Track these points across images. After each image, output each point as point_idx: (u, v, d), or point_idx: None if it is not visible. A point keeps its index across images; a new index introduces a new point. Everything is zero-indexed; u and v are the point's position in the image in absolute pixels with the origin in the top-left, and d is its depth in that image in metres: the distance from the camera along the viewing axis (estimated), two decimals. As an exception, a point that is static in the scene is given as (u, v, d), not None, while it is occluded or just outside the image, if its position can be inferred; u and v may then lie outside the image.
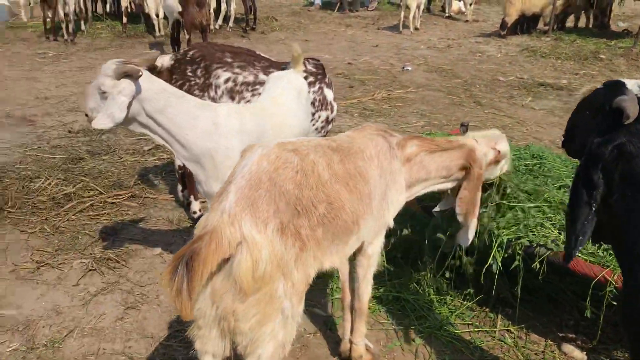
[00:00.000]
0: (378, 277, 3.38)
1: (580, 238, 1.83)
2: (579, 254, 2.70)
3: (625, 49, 10.14)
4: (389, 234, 3.32)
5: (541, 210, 2.97)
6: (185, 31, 8.02)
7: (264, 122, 2.85)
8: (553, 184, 3.16)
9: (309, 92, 3.67)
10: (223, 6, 11.32)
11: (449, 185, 2.64)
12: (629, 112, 1.67)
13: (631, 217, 1.74)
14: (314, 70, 3.79)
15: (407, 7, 12.01)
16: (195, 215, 3.98)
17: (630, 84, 1.82)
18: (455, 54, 10.26)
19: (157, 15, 10.31)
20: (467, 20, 14.11)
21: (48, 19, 10.01)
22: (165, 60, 3.69)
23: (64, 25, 10.01)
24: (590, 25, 12.60)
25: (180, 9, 7.78)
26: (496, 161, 2.70)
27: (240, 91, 3.57)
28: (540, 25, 12.46)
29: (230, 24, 11.69)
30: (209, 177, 2.73)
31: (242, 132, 2.73)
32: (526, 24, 12.29)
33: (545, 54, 10.11)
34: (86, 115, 2.75)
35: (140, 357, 2.79)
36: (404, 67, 9.06)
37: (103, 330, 2.96)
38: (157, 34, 10.66)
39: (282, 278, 1.92)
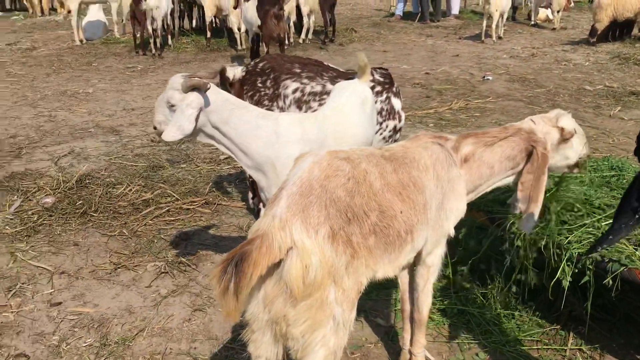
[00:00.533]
0: (443, 290, 3.33)
1: (610, 237, 1.76)
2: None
3: None
4: (455, 244, 3.28)
5: (616, 224, 2.81)
6: (264, 44, 8.25)
7: (325, 131, 2.89)
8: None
9: (375, 101, 3.68)
10: (305, 19, 11.54)
11: (514, 179, 2.54)
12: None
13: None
14: (381, 79, 3.80)
15: (490, 16, 11.74)
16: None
17: None
18: (539, 63, 9.91)
19: (239, 30, 10.66)
20: (554, 28, 13.59)
21: (137, 35, 10.58)
22: (237, 72, 3.81)
23: (152, 41, 10.56)
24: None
25: (259, 22, 8.02)
26: (564, 140, 2.55)
27: (308, 101, 3.63)
28: (635, 31, 11.79)
29: (310, 36, 11.89)
30: (271, 185, 2.79)
31: (303, 141, 2.78)
32: (619, 30, 11.68)
33: (639, 61, 9.56)
34: (154, 128, 2.87)
35: (204, 358, 2.88)
36: (484, 77, 8.85)
37: (171, 331, 3.08)
38: (239, 47, 11.02)
39: (333, 284, 1.93)
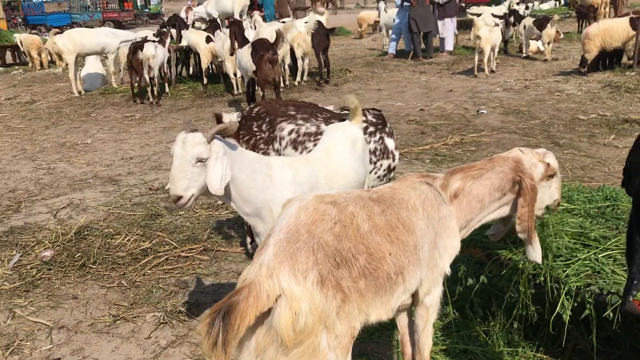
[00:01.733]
0: (445, 329, 3.29)
1: (635, 282, 1.71)
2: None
3: None
4: (456, 282, 3.25)
5: (612, 256, 2.79)
6: (260, 88, 8.36)
7: (316, 173, 2.90)
8: (626, 228, 2.96)
9: (369, 141, 3.71)
10: (299, 62, 11.71)
11: (506, 210, 2.56)
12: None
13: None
14: (374, 120, 3.84)
15: (482, 51, 11.91)
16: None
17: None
18: (533, 95, 10.00)
19: (235, 75, 10.82)
20: (545, 60, 13.77)
21: (135, 84, 10.73)
22: (233, 118, 3.86)
23: (149, 89, 10.70)
24: (679, 57, 11.93)
25: (254, 67, 8.15)
26: (548, 177, 2.58)
27: (303, 142, 3.67)
28: (624, 59, 11.94)
29: (305, 77, 12.06)
30: (268, 230, 2.78)
31: (295, 184, 2.79)
32: (608, 59, 11.83)
33: (630, 89, 9.64)
34: (178, 199, 2.66)
35: (204, 410, 2.83)
36: (478, 111, 8.92)
37: (170, 383, 3.04)
38: (235, 92, 11.16)
39: (325, 330, 1.91)
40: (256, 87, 8.76)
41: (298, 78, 11.89)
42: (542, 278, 2.78)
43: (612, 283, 2.63)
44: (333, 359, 1.95)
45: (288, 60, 11.63)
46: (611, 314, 2.56)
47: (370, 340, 3.27)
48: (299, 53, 11.48)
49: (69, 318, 3.71)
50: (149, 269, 4.28)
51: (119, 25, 30.40)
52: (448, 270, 2.41)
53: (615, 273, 2.68)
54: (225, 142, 2.70)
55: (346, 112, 3.76)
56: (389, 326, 3.34)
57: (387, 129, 3.82)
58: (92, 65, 13.03)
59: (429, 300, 2.41)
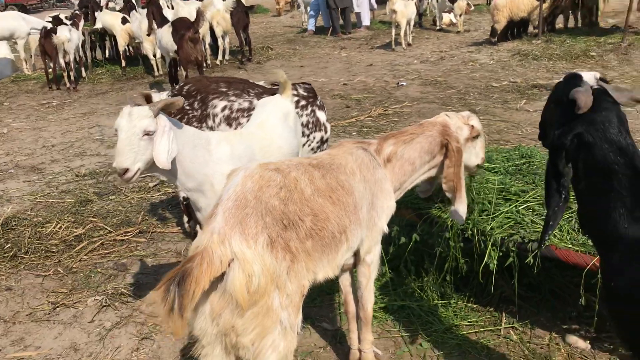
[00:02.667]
0: (382, 288, 3.48)
1: (550, 223, 1.91)
2: (571, 245, 2.78)
3: (614, 45, 10.25)
4: (389, 243, 3.44)
5: (531, 208, 3.05)
6: (182, 68, 8.24)
7: (252, 147, 2.98)
8: (541, 181, 3.23)
9: (301, 115, 3.80)
10: (220, 41, 11.59)
11: (434, 172, 2.74)
12: (581, 103, 1.77)
13: (598, 202, 1.83)
14: (305, 94, 3.93)
15: (398, 25, 12.20)
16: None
17: (587, 76, 1.91)
18: (448, 66, 10.40)
19: (155, 56, 10.57)
20: (458, 32, 14.29)
21: (50, 70, 10.28)
22: (163, 98, 3.84)
23: (65, 74, 10.29)
24: (580, 25, 12.73)
25: (175, 47, 8.01)
26: (473, 138, 2.79)
27: (237, 117, 3.71)
28: (531, 29, 12.60)
29: (227, 57, 11.95)
30: (210, 205, 2.82)
31: (233, 158, 2.85)
32: (516, 29, 12.44)
33: (537, 57, 10.22)
34: (124, 172, 2.60)
35: (157, 385, 2.89)
36: (398, 83, 9.20)
37: (120, 363, 3.06)
38: (156, 73, 10.92)
39: (277, 290, 2.02)
40: (178, 68, 8.62)
41: (219, 57, 11.77)
42: (469, 232, 3.00)
43: (532, 232, 2.87)
44: (285, 317, 2.06)
45: (208, 40, 11.48)
46: (532, 260, 2.81)
47: (313, 305, 3.41)
48: (218, 32, 11.35)
49: (4, 309, 3.63)
50: (85, 255, 4.23)
51: (23, 9, 28.62)
52: (386, 229, 2.57)
53: (535, 223, 2.93)
54: (169, 117, 2.72)
55: (276, 86, 3.84)
56: (330, 290, 3.50)
57: (318, 102, 3.93)
58: (0, 51, 12.31)
59: (370, 258, 2.57)
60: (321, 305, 3.43)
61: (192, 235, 4.34)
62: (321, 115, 3.91)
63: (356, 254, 2.54)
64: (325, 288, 3.52)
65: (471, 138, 2.81)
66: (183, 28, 7.80)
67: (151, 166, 2.67)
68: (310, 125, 3.86)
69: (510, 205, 3.07)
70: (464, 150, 2.77)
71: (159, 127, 2.60)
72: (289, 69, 10.93)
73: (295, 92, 3.79)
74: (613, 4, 13.66)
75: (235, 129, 3.67)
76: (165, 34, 8.18)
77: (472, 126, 2.80)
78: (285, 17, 20.88)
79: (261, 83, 4.06)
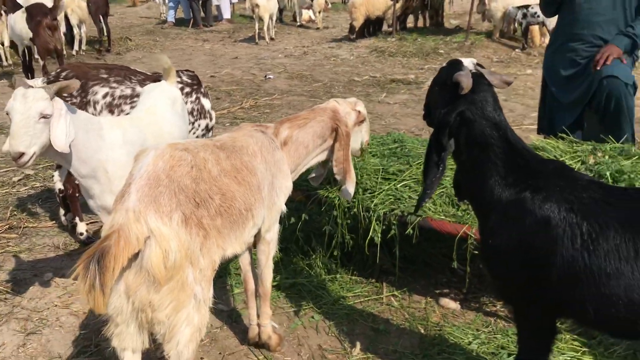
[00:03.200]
0: (274, 268, 3.61)
1: (427, 191, 2.18)
2: (444, 217, 3.13)
3: (459, 43, 11.27)
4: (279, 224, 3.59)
5: (408, 185, 3.36)
6: (40, 57, 7.72)
7: (144, 132, 2.97)
8: (414, 162, 3.57)
9: (186, 102, 3.82)
10: (76, 30, 10.95)
11: (325, 155, 2.94)
12: (464, 85, 2.05)
13: (477, 171, 2.12)
14: (189, 81, 3.95)
15: (261, 19, 12.37)
16: (82, 237, 3.95)
17: (466, 61, 2.20)
18: (312, 60, 10.77)
19: (3, 44, 9.75)
20: (318, 28, 14.79)
21: None
22: (37, 85, 3.65)
23: None
24: (428, 25, 13.79)
25: (31, 35, 7.48)
26: (359, 122, 3.03)
27: (119, 104, 3.64)
28: (385, 27, 13.41)
29: (83, 47, 11.33)
30: (104, 191, 2.79)
31: (126, 143, 2.83)
32: (372, 26, 13.17)
33: (392, 53, 10.93)
34: (20, 156, 2.50)
35: (49, 378, 2.79)
36: (266, 76, 9.38)
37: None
38: (5, 63, 10.07)
39: (191, 265, 2.09)
40: (34, 57, 8.05)
41: (76, 47, 11.12)
42: (355, 210, 3.24)
43: (410, 206, 3.18)
44: (199, 291, 2.14)
45: (63, 28, 10.79)
46: (411, 231, 3.11)
47: (205, 288, 3.46)
48: (74, 20, 10.73)
49: None
50: (-53, 255, 3.90)
51: None
52: (284, 208, 2.73)
53: (412, 198, 3.24)
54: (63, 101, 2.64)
55: (158, 74, 3.82)
56: (223, 273, 3.58)
57: (202, 90, 3.97)
58: None
59: (270, 236, 2.71)
60: (215, 288, 3.49)
61: (69, 228, 4.17)
62: (206, 103, 3.96)
63: (256, 233, 2.67)
64: (218, 271, 3.58)
65: (358, 122, 3.05)
66: (40, 14, 7.31)
67: (47, 150, 2.58)
68: (195, 113, 3.89)
69: (389, 183, 3.36)
70: (352, 134, 3.00)
71: (56, 110, 2.52)
72: (151, 60, 10.64)
73: (179, 79, 3.80)
74: (456, 7, 14.97)
75: (118, 115, 3.61)
76: (18, 20, 7.60)
77: (359, 112, 3.04)
78: (141, 7, 20.13)
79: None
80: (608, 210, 1.85)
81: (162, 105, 3.25)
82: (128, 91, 3.66)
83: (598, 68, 3.63)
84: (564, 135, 3.57)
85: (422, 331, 3.09)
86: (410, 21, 14.12)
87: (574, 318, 2.04)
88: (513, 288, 2.08)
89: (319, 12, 14.82)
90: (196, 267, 2.11)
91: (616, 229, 1.80)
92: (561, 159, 3.19)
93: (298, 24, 15.42)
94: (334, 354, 2.94)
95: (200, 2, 14.93)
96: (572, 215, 1.88)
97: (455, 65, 2.18)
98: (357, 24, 12.35)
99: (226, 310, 3.30)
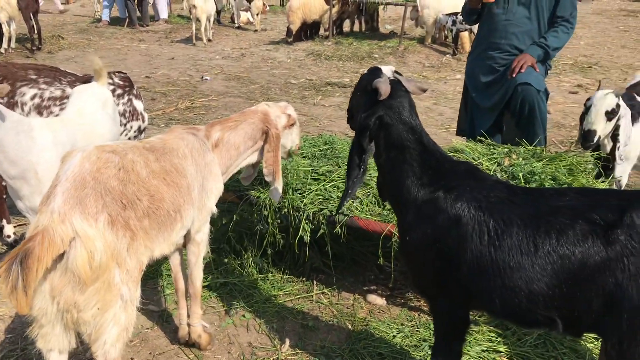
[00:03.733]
0: (205, 268, 3.65)
1: (349, 191, 2.30)
2: (370, 215, 3.26)
3: (392, 48, 11.55)
4: (211, 224, 3.63)
5: (337, 186, 3.48)
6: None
7: (74, 133, 2.97)
8: (343, 163, 3.69)
9: (118, 104, 3.81)
10: (5, 27, 10.54)
11: (256, 157, 3.01)
12: (382, 91, 2.18)
13: (395, 172, 2.25)
14: (121, 82, 3.94)
15: (198, 20, 12.29)
16: (10, 239, 3.87)
17: (385, 69, 2.32)
18: (249, 62, 10.80)
19: None
20: (256, 30, 14.81)
21: None
22: None
23: None
24: (363, 29, 14.06)
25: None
26: (290, 125, 3.12)
27: (48, 106, 3.59)
28: (322, 31, 13.58)
29: (12, 45, 10.93)
30: (34, 192, 2.77)
31: (57, 144, 2.82)
32: (309, 30, 13.32)
33: (328, 57, 11.10)
34: None
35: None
36: (202, 77, 9.34)
37: None
38: None
39: (117, 266, 2.11)
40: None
41: (4, 45, 10.71)
42: (285, 210, 3.33)
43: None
44: (126, 292, 2.17)
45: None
46: (339, 230, 3.23)
47: (136, 290, 3.47)
48: (3, 17, 10.33)
49: None
50: None
51: None
52: (215, 210, 2.79)
53: (340, 198, 3.35)
54: None
55: (90, 76, 3.79)
56: (154, 274, 3.60)
57: (134, 91, 3.96)
58: None
59: (200, 237, 2.76)
60: (145, 289, 3.50)
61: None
62: (138, 105, 3.96)
63: (186, 234, 2.72)
64: (149, 273, 3.61)
65: (288, 125, 3.14)
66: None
67: None
68: (127, 114, 3.88)
69: (319, 184, 3.47)
70: (282, 136, 3.09)
71: None
72: (84, 60, 10.40)
73: (110, 81, 3.79)
74: (391, 12, 15.32)
75: (48, 117, 3.56)
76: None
77: (289, 115, 3.13)
78: (74, 5, 19.56)
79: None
80: (512, 208, 2.01)
81: (93, 107, 3.25)
82: (58, 92, 3.63)
83: (514, 75, 3.88)
84: (482, 139, 3.78)
85: (350, 327, 3.21)
86: (346, 26, 14.35)
87: (484, 309, 2.20)
88: (428, 282, 2.22)
89: (257, 15, 14.85)
90: (123, 268, 2.14)
91: (519, 225, 1.96)
92: (479, 160, 3.38)
93: (236, 25, 15.38)
94: (263, 351, 3.01)
95: (136, 1, 14.66)
96: (480, 213, 2.03)
97: (375, 72, 2.31)
98: (295, 27, 12.46)
99: (157, 311, 3.32)
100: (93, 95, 3.31)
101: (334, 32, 13.17)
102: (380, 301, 3.44)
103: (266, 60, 10.97)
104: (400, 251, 2.39)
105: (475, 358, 2.89)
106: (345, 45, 12.11)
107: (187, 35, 13.19)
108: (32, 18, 10.80)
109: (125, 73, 4.05)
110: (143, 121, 4.00)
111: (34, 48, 10.86)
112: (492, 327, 3.11)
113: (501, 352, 2.95)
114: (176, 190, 2.45)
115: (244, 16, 15.55)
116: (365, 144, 2.26)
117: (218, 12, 15.58)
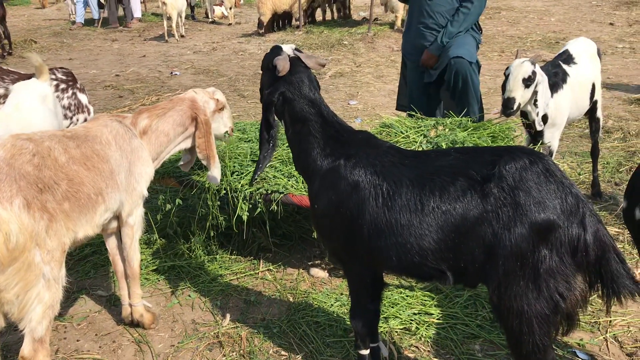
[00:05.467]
0: (153, 254, 3.78)
1: (259, 165, 2.42)
2: (304, 192, 3.37)
3: (362, 34, 11.64)
4: (157, 211, 3.75)
5: (274, 166, 3.59)
6: None
7: (12, 128, 3.06)
8: (282, 145, 3.79)
9: (62, 98, 3.91)
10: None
11: (189, 142, 3.11)
12: (280, 68, 2.29)
13: (302, 144, 2.36)
14: (64, 77, 4.03)
15: (169, 17, 12.34)
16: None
17: (285, 47, 2.43)
18: (220, 55, 10.88)
19: None
20: (230, 24, 14.86)
21: None
22: None
23: None
24: (335, 18, 14.14)
25: None
26: (219, 110, 3.23)
27: None
28: (293, 21, 13.64)
29: (-19, 51, 11.01)
30: None
31: (-9, 140, 2.91)
32: (281, 21, 13.39)
33: (299, 46, 11.13)
34: None
35: None
36: (172, 73, 9.42)
37: None
38: None
39: (37, 247, 2.22)
40: None
41: (-27, 51, 10.80)
42: (224, 191, 3.44)
43: (274, 184, 3.41)
44: (48, 271, 2.28)
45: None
46: (275, 207, 3.34)
47: (87, 277, 3.59)
48: (-32, 23, 10.42)
49: None
50: None
51: None
52: (146, 193, 2.89)
53: (277, 177, 3.46)
54: None
55: (34, 74, 3.87)
56: (104, 262, 3.71)
57: (78, 85, 4.06)
58: None
59: (132, 219, 2.87)
60: (95, 276, 3.63)
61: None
62: (83, 98, 4.05)
63: (120, 218, 2.83)
64: (99, 261, 3.73)
65: (218, 110, 3.25)
66: None
67: None
68: (72, 108, 3.98)
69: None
70: (213, 121, 3.20)
71: None
72: (56, 62, 10.46)
73: (53, 76, 3.88)
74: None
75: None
76: None
77: (217, 100, 3.23)
78: (50, 9, 19.56)
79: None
80: (402, 170, 2.13)
81: (31, 102, 3.34)
82: (0, 90, 3.72)
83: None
84: (413, 113, 3.90)
85: (291, 299, 3.33)
86: (319, 15, 14.42)
87: (386, 268, 2.32)
88: (337, 247, 2.34)
89: (231, 8, 14.89)
90: (43, 249, 2.25)
91: (407, 186, 2.08)
92: (406, 133, 3.50)
93: (210, 20, 15.44)
94: (205, 326, 3.13)
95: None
96: (375, 177, 2.15)
97: (275, 50, 2.42)
98: (265, 18, 12.52)
99: (105, 296, 3.44)
100: (32, 91, 3.41)
101: (306, 21, 13.24)
102: (322, 274, 3.56)
103: (237, 53, 11.05)
104: (312, 220, 2.51)
105: (407, 321, 3.02)
106: (316, 34, 12.19)
107: (160, 33, 13.24)
108: (1, 23, 10.84)
109: (68, 69, 4.15)
110: (89, 114, 4.09)
111: (4, 53, 10.91)
112: (426, 292, 3.24)
113: (432, 314, 3.07)
114: (97, 175, 2.55)
115: (218, 10, 15.62)
116: (272, 119, 2.38)
117: (192, 8, 15.64)
